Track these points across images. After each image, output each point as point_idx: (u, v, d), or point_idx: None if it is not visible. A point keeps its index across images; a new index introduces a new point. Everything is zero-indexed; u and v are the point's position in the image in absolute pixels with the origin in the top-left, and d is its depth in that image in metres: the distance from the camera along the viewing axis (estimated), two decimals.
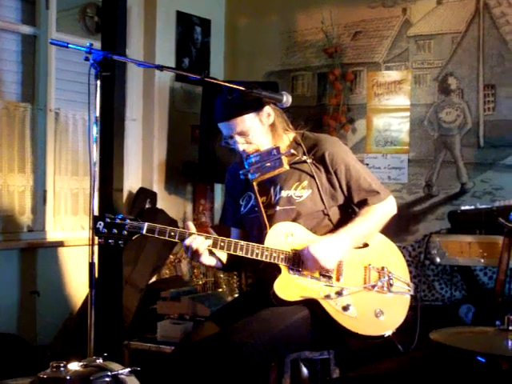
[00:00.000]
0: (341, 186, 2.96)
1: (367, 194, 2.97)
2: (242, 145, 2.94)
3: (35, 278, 4.60)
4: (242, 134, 2.92)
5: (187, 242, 2.79)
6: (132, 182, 5.31)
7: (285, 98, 2.91)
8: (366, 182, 2.98)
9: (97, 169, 2.94)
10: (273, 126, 2.98)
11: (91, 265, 2.90)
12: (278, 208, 2.95)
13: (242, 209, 3.06)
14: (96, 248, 2.94)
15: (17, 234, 4.62)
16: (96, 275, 2.94)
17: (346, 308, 2.83)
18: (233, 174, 3.15)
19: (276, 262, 2.83)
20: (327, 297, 2.84)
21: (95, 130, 2.93)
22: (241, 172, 2.98)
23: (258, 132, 2.93)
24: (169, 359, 2.92)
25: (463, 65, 5.14)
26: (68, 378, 2.50)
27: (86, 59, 2.90)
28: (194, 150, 5.37)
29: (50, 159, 4.79)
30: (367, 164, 5.37)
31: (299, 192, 2.95)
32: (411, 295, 2.98)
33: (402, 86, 5.38)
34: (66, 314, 4.77)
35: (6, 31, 4.58)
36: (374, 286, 2.91)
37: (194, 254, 2.81)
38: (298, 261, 2.85)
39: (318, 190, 2.94)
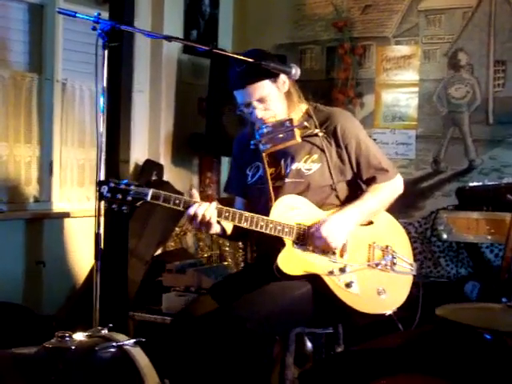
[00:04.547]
0: (350, 162, 2.95)
1: (376, 171, 2.96)
2: (260, 111, 2.91)
3: (41, 249, 4.61)
4: (260, 100, 2.89)
5: (192, 209, 2.75)
6: (138, 153, 5.29)
7: (293, 71, 2.90)
8: (376, 159, 2.97)
9: (103, 140, 2.93)
10: (288, 93, 2.96)
11: (97, 235, 2.90)
12: (287, 180, 2.93)
13: (249, 179, 3.05)
14: (102, 219, 2.94)
15: (23, 205, 4.62)
16: (102, 246, 2.94)
17: (348, 285, 2.83)
18: (241, 143, 3.13)
19: (280, 235, 2.81)
20: (330, 273, 2.83)
21: (102, 101, 2.91)
22: (252, 142, 2.95)
23: (275, 99, 2.91)
24: (168, 331, 2.92)
25: (474, 40, 5.09)
26: (73, 347, 2.51)
27: (94, 29, 2.88)
28: (201, 122, 5.35)
29: (56, 130, 4.77)
30: (375, 139, 5.33)
31: (308, 165, 2.93)
32: (414, 275, 2.98)
33: (411, 60, 5.33)
34: (71, 285, 4.78)
35: (13, 0, 4.54)
36: (377, 264, 2.91)
37: (202, 222, 2.77)
38: (303, 235, 2.84)
39: (328, 164, 2.92)
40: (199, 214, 2.75)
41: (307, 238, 2.84)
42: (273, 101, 2.91)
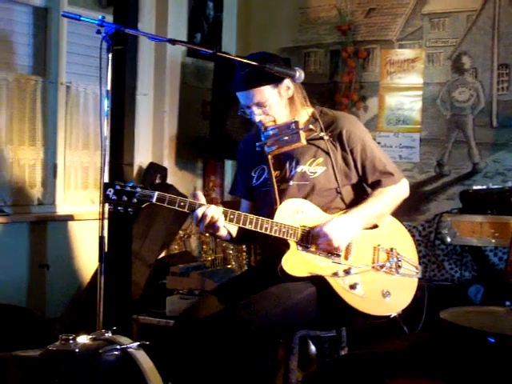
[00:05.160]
0: (356, 166, 2.96)
1: (381, 175, 2.96)
2: (258, 116, 2.92)
3: (45, 252, 4.61)
4: (259, 105, 2.90)
5: (201, 211, 2.76)
6: (142, 156, 5.30)
7: (297, 74, 2.90)
8: (381, 163, 2.97)
9: (107, 143, 2.94)
10: (291, 99, 2.96)
11: (101, 238, 2.91)
12: (291, 183, 2.94)
13: (254, 181, 3.06)
14: (106, 222, 2.94)
15: (27, 207, 4.63)
16: (106, 249, 2.94)
17: (353, 287, 2.83)
18: (247, 145, 3.14)
19: (285, 237, 2.82)
20: (335, 274, 2.83)
21: (106, 104, 2.92)
22: (257, 144, 2.96)
23: (275, 104, 2.91)
24: (171, 332, 2.92)
25: (478, 44, 5.09)
26: (77, 350, 2.51)
27: (98, 32, 2.89)
28: (205, 125, 5.35)
29: (60, 133, 4.78)
30: (379, 143, 5.34)
31: (313, 168, 2.94)
32: (419, 278, 2.98)
33: (415, 64, 5.33)
34: (75, 288, 4.78)
35: (17, 3, 4.55)
36: (382, 267, 2.90)
37: (209, 224, 2.77)
38: (307, 237, 2.85)
39: (333, 167, 2.92)
40: (208, 215, 2.75)
41: (311, 239, 2.84)
42: (272, 106, 2.91)
